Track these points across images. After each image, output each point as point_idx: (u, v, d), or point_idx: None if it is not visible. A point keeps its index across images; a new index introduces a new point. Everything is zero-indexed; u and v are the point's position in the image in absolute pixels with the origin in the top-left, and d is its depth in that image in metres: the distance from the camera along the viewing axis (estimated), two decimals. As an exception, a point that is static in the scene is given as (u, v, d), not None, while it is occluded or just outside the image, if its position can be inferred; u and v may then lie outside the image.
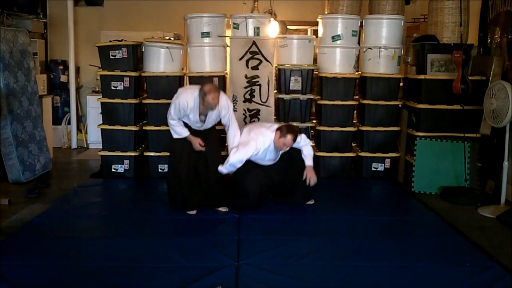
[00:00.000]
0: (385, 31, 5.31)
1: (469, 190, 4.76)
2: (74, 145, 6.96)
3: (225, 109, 4.08)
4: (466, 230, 3.83)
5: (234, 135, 4.19)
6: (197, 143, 4.02)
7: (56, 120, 6.87)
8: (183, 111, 3.93)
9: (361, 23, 5.43)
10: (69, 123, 7.01)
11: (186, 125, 4.06)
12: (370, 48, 5.33)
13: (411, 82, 5.35)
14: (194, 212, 4.11)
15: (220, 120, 4.19)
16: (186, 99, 3.92)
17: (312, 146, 4.36)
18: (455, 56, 4.66)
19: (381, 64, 5.33)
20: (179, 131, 4.03)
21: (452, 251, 3.45)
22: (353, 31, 5.33)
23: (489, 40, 5.25)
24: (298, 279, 3.01)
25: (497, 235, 3.81)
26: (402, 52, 5.50)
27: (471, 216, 4.27)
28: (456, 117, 4.95)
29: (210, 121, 4.10)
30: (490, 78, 4.78)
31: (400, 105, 5.46)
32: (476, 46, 5.32)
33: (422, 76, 5.04)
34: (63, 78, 7.04)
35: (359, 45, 5.54)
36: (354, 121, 5.56)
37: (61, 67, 7.03)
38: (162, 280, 2.91)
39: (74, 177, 5.40)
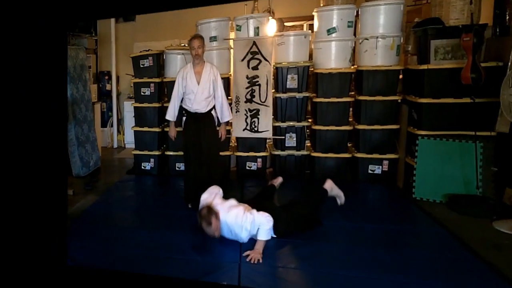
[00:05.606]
0: (382, 18, 5.14)
1: (481, 199, 4.40)
2: (115, 145, 8.47)
3: (218, 74, 4.59)
4: (478, 247, 3.53)
5: (221, 106, 4.59)
6: (171, 135, 4.82)
7: (103, 123, 8.53)
8: (182, 73, 4.58)
9: (357, 12, 5.36)
10: (112, 125, 8.65)
11: (188, 112, 4.61)
12: (367, 39, 5.17)
13: (412, 74, 5.10)
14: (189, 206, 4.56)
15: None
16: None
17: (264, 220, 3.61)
18: (464, 40, 4.32)
19: (379, 56, 5.17)
20: (168, 111, 4.74)
21: (461, 271, 3.17)
22: (348, 22, 5.28)
23: (507, 17, 4.79)
24: (294, 284, 3.07)
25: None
26: (402, 41, 5.30)
27: (485, 230, 3.92)
28: (466, 112, 4.62)
29: (205, 84, 4.46)
30: (509, 64, 4.31)
31: (399, 101, 5.29)
32: (491, 26, 4.91)
33: (424, 66, 4.77)
34: (108, 87, 8.65)
35: (355, 36, 5.43)
36: (350, 119, 5.53)
37: (106, 77, 8.61)
38: (175, 270, 3.30)
39: (115, 173, 6.47)
